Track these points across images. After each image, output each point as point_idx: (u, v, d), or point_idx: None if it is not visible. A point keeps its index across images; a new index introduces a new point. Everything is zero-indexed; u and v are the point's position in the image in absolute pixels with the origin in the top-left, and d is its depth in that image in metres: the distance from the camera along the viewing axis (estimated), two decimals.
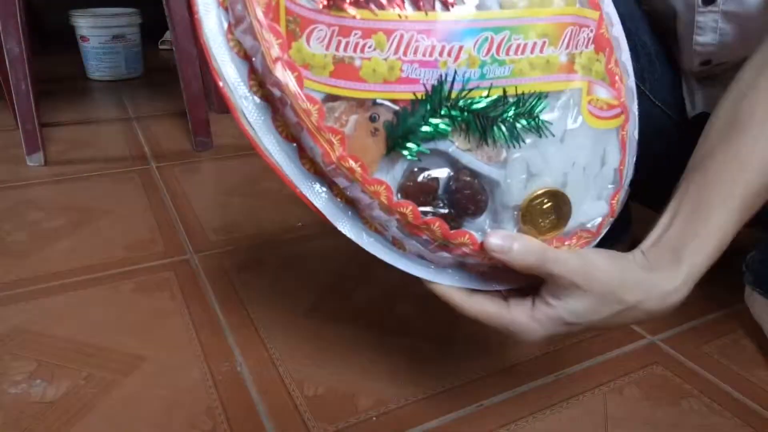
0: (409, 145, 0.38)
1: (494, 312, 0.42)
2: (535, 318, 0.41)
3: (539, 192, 0.40)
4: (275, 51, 0.35)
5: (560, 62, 0.40)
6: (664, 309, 0.43)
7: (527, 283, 0.43)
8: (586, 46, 0.42)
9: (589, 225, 0.44)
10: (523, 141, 0.39)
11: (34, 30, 1.49)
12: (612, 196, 0.45)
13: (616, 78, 0.44)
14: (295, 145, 0.39)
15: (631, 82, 0.47)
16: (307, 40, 0.35)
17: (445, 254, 0.41)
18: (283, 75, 0.35)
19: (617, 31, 0.46)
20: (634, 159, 0.47)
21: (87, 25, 1.85)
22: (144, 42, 1.98)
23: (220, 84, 0.37)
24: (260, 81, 0.38)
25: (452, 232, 0.39)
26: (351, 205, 0.40)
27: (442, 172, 0.39)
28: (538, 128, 0.40)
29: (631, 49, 0.67)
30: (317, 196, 0.39)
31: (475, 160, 0.39)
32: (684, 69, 0.69)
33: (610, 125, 0.44)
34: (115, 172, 1.15)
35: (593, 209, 0.44)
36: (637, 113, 0.46)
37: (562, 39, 0.40)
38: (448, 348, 0.66)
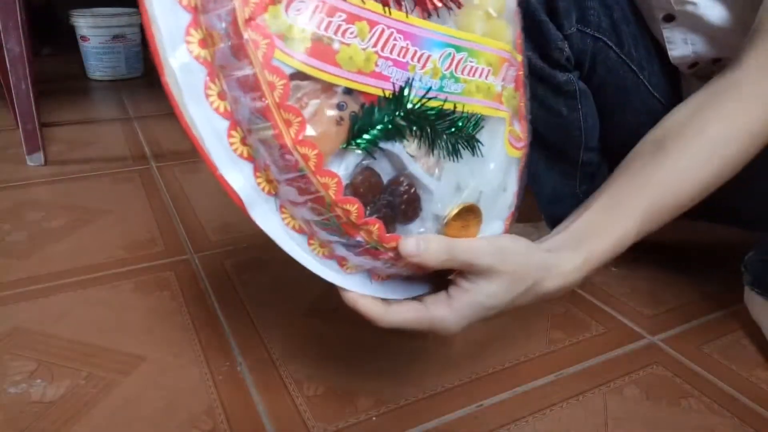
0: (366, 139, 0.37)
1: (413, 316, 0.43)
2: (454, 308, 0.43)
3: (462, 206, 0.43)
4: (249, 10, 0.31)
5: (496, 91, 0.44)
6: (564, 288, 0.46)
7: (436, 282, 0.45)
8: (511, 83, 0.46)
9: None
10: (461, 156, 0.42)
11: (34, 30, 1.49)
12: (507, 218, 0.49)
13: (524, 116, 0.49)
14: (227, 121, 0.35)
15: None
16: (287, 8, 0.33)
17: (367, 260, 0.41)
18: (255, 39, 0.31)
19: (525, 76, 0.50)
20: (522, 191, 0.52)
21: (87, 25, 1.86)
22: (144, 42, 1.98)
23: (152, 32, 0.33)
24: (204, 38, 0.34)
25: (387, 235, 0.39)
26: (274, 196, 0.38)
27: (387, 175, 0.39)
28: (473, 147, 0.43)
29: (630, 37, 0.67)
30: (237, 180, 0.36)
31: (419, 168, 0.40)
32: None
33: (517, 155, 0.48)
34: (115, 172, 1.15)
35: (493, 227, 0.47)
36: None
37: (501, 71, 0.44)
38: (448, 348, 0.66)
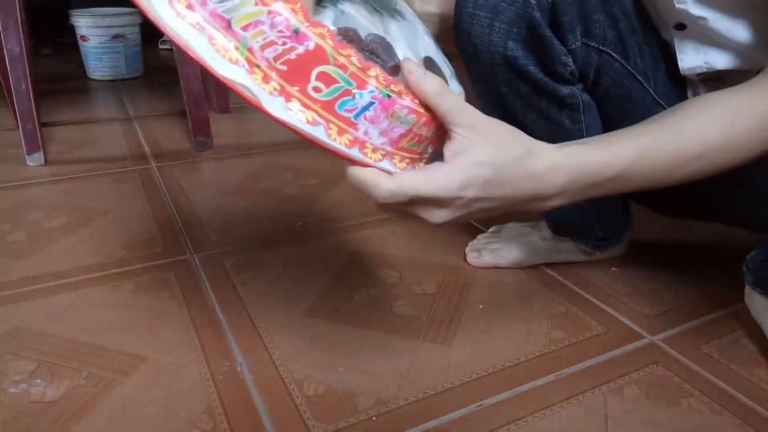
0: None
1: (416, 178, 0.44)
2: (452, 165, 0.44)
3: (422, 60, 0.47)
4: None
5: None
6: (552, 172, 0.46)
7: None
8: None
9: None
10: (394, 17, 0.47)
11: (34, 30, 1.50)
12: (457, 79, 0.51)
13: None
14: (204, 32, 0.37)
15: None
16: None
17: (384, 124, 0.42)
18: None
19: None
20: None
21: (87, 24, 1.86)
22: (144, 42, 1.98)
23: None
24: None
25: (390, 78, 0.41)
26: (279, 95, 0.39)
27: (361, 31, 0.43)
28: (398, 15, 0.48)
29: (636, 47, 0.66)
30: (240, 76, 0.38)
31: (374, 28, 0.45)
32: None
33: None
34: (115, 172, 1.15)
35: (454, 86, 0.50)
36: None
37: None
38: (448, 348, 0.66)
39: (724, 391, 0.60)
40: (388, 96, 0.41)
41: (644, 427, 0.56)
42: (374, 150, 0.43)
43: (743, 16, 0.58)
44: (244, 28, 0.37)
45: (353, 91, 0.40)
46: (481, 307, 0.74)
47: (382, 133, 0.43)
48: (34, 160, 1.17)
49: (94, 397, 0.57)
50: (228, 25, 0.37)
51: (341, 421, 0.55)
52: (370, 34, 0.44)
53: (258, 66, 0.38)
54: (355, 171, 0.43)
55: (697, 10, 0.59)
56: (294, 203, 1.02)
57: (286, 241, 0.89)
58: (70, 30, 1.91)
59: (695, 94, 0.70)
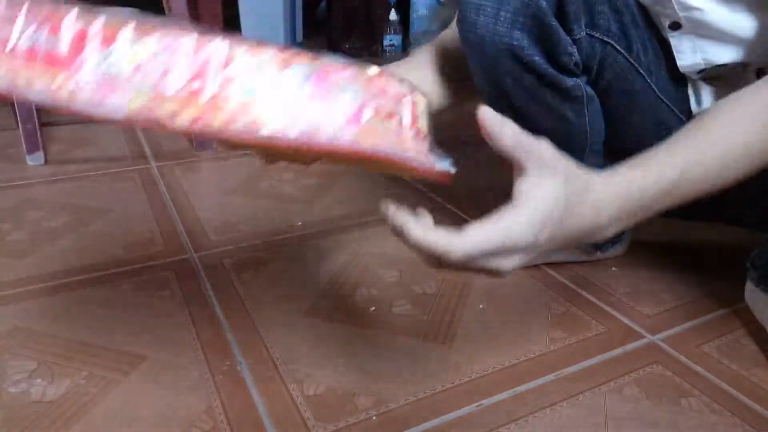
0: None
1: (492, 229, 0.40)
2: (527, 210, 0.41)
3: None
4: None
5: None
6: (613, 200, 0.45)
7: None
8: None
9: None
10: None
11: None
12: None
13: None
14: None
15: None
16: None
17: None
18: None
19: None
20: None
21: None
22: None
23: None
24: None
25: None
26: None
27: None
28: None
29: (639, 41, 0.66)
30: None
31: None
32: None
33: None
34: (115, 172, 1.15)
35: None
36: None
37: None
38: (448, 348, 0.66)
39: (724, 391, 0.60)
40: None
41: (644, 427, 0.56)
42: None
43: (740, 5, 0.58)
44: None
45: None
46: (481, 307, 0.74)
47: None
48: (35, 160, 1.17)
49: (94, 397, 0.57)
50: None
51: (341, 421, 0.55)
52: None
53: None
54: (418, 234, 0.39)
55: (693, 1, 0.59)
56: (294, 203, 1.02)
57: (286, 240, 0.89)
58: None
59: (696, 91, 0.70)
